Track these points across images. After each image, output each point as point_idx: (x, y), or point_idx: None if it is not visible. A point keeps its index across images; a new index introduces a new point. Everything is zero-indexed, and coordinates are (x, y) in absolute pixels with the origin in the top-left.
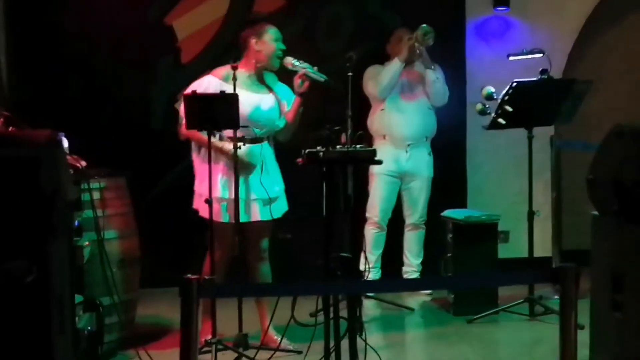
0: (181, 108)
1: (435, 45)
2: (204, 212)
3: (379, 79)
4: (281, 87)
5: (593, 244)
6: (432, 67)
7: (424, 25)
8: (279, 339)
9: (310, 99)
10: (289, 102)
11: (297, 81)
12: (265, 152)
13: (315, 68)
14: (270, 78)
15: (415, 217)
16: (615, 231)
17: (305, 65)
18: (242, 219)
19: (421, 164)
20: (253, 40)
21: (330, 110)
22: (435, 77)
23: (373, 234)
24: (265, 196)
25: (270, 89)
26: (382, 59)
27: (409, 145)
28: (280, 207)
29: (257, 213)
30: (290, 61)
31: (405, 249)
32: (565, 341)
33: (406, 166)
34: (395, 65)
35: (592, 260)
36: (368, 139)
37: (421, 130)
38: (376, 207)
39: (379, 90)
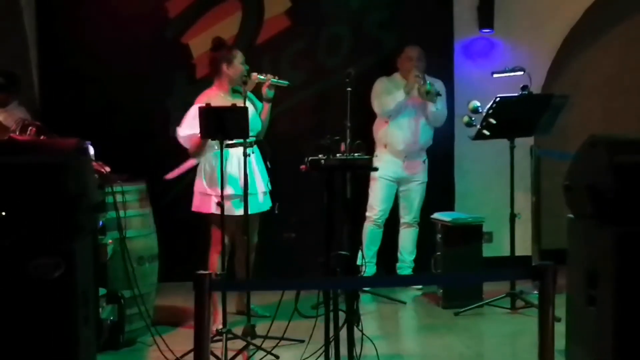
0: (184, 121)
1: (426, 62)
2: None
3: (384, 103)
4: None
5: (569, 244)
6: (434, 100)
7: (429, 84)
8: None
9: (313, 111)
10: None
11: (264, 90)
12: (254, 153)
13: (277, 77)
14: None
15: (409, 217)
16: (590, 232)
17: (269, 76)
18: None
19: (417, 170)
20: (224, 66)
21: (330, 121)
22: (434, 109)
23: (371, 231)
24: (263, 190)
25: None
26: (379, 74)
27: (406, 155)
28: (267, 202)
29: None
30: (256, 75)
31: (400, 246)
32: (543, 332)
33: (403, 172)
34: (400, 97)
35: (568, 259)
36: (370, 145)
37: (418, 144)
38: (375, 208)
39: (383, 113)
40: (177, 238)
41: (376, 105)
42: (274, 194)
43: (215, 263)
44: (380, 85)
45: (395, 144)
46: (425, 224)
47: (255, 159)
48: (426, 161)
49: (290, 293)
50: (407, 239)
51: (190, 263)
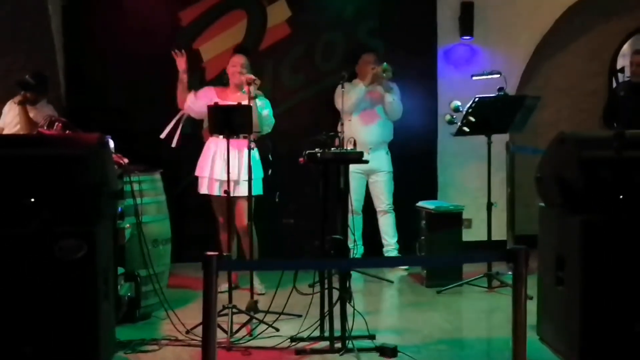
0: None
1: (411, 67)
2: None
3: (347, 97)
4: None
5: (540, 230)
6: (391, 90)
7: (385, 63)
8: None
9: (311, 110)
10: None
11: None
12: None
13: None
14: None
15: (383, 205)
16: (558, 220)
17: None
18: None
19: (381, 162)
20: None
21: (326, 119)
22: (391, 99)
23: (350, 218)
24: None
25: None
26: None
27: (370, 148)
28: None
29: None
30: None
31: (381, 232)
32: (517, 309)
33: (369, 165)
34: (360, 90)
35: (539, 244)
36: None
37: (380, 137)
38: (350, 197)
39: (347, 108)
40: (188, 223)
41: (339, 103)
42: (274, 184)
43: (221, 243)
44: (340, 89)
45: (359, 137)
46: (410, 212)
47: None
48: (389, 153)
49: (290, 272)
50: (386, 224)
51: (200, 245)
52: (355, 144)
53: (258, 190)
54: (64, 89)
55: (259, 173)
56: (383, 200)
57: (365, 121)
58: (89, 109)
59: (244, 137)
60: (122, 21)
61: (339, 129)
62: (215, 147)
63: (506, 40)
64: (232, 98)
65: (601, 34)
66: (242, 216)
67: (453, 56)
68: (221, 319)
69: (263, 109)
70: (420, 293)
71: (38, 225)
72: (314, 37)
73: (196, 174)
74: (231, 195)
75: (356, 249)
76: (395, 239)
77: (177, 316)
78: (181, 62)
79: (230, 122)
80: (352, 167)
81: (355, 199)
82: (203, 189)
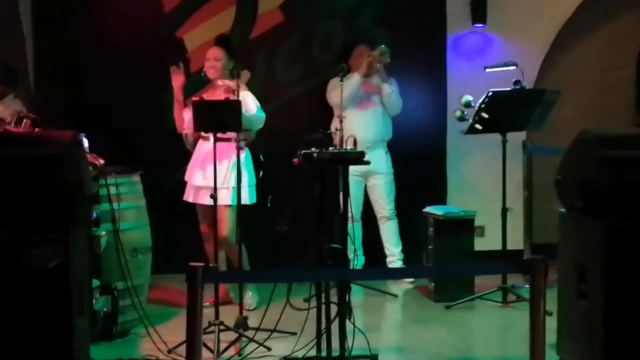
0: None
1: (418, 58)
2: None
3: (340, 91)
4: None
5: (560, 239)
6: (389, 81)
7: (382, 45)
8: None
9: (306, 106)
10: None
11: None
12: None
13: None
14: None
15: (385, 210)
16: (580, 227)
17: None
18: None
19: (379, 162)
20: None
21: (323, 116)
22: (390, 90)
23: (350, 227)
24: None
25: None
26: None
27: (367, 147)
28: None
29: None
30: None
31: (384, 241)
32: (534, 326)
33: (367, 166)
34: (355, 80)
35: (559, 253)
36: (328, 141)
37: (378, 135)
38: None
39: (343, 100)
40: (171, 230)
41: (333, 96)
42: (266, 187)
43: (207, 254)
44: (335, 81)
45: (355, 136)
46: (416, 218)
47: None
48: (388, 152)
49: (283, 285)
50: (388, 232)
51: (184, 255)
52: (355, 143)
53: (251, 198)
54: (34, 81)
55: (251, 179)
56: (384, 205)
57: (361, 116)
58: (61, 103)
59: (234, 141)
60: (98, 6)
61: (337, 125)
62: (203, 151)
63: (523, 28)
64: (218, 95)
65: (627, 21)
66: (221, 226)
67: (464, 46)
68: (207, 337)
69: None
70: (428, 308)
71: (6, 231)
72: (311, 26)
73: (185, 178)
74: (212, 203)
75: (356, 259)
76: (399, 248)
77: (158, 333)
78: (178, 79)
79: (217, 118)
80: (349, 169)
81: (354, 205)
82: (188, 196)
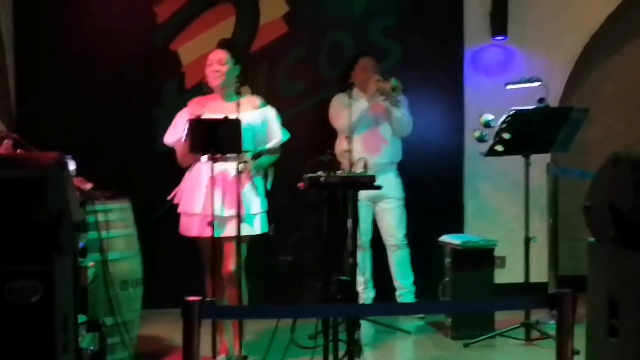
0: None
1: (433, 72)
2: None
3: (346, 116)
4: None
5: (589, 270)
6: (398, 105)
7: (394, 79)
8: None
9: (312, 124)
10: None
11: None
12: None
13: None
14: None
15: (394, 238)
16: (612, 257)
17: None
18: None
19: (389, 186)
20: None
21: (330, 136)
22: (400, 114)
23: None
24: (222, 215)
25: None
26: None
27: (376, 171)
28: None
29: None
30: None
31: (393, 272)
32: None
33: (375, 191)
34: (363, 105)
35: (588, 286)
36: (336, 164)
37: (387, 157)
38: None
39: (347, 128)
40: (163, 261)
41: (337, 120)
42: (269, 213)
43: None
44: (338, 101)
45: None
46: (432, 247)
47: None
48: (399, 176)
49: (286, 321)
50: (398, 262)
51: (178, 288)
52: (366, 166)
53: (263, 227)
54: (15, 98)
55: (263, 205)
56: (393, 232)
57: (369, 140)
58: (45, 122)
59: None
60: (85, 16)
61: (344, 146)
62: (202, 174)
63: (547, 41)
64: (216, 108)
65: None
66: (232, 260)
67: (483, 60)
68: None
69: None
70: (444, 346)
71: None
72: (317, 37)
73: (180, 210)
74: (219, 235)
75: (366, 292)
76: (411, 280)
77: None
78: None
79: (214, 138)
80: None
81: (362, 233)
82: (192, 230)
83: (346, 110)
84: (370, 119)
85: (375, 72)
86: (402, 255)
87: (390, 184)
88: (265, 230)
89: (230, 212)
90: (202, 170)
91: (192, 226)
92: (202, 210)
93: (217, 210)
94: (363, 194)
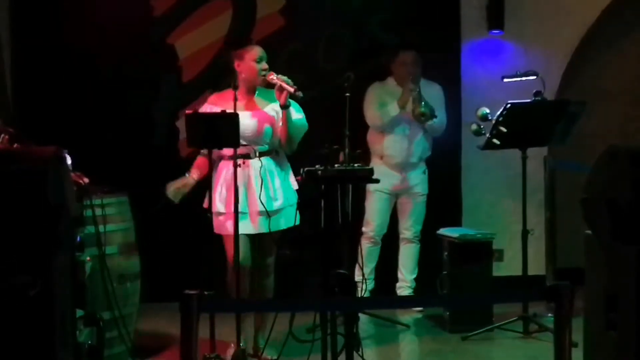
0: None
1: (430, 66)
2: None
3: (377, 116)
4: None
5: (587, 263)
6: (427, 122)
7: (423, 107)
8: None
9: (309, 118)
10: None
11: (277, 94)
12: (265, 167)
13: (294, 89)
14: (266, 95)
15: (409, 232)
16: (609, 250)
17: (284, 78)
18: (242, 230)
19: (415, 182)
20: (236, 63)
21: (328, 129)
22: (432, 122)
23: (367, 248)
24: (262, 209)
25: (256, 106)
26: (381, 79)
27: (403, 168)
28: (280, 221)
29: (252, 226)
30: (272, 77)
31: (400, 264)
32: (560, 359)
33: (400, 184)
34: (394, 111)
35: (585, 279)
36: (366, 155)
37: (417, 155)
38: (371, 223)
39: (378, 127)
40: (161, 255)
41: (369, 118)
42: None
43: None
44: (373, 93)
45: (391, 157)
46: (430, 241)
47: (255, 172)
48: (426, 172)
49: (285, 315)
50: (407, 256)
51: (176, 282)
52: (360, 157)
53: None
54: (12, 92)
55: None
56: (410, 227)
57: (400, 137)
58: (42, 117)
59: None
60: (81, 10)
61: (368, 138)
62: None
63: (543, 35)
64: (250, 107)
65: None
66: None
67: (480, 53)
68: None
69: (293, 114)
70: (443, 340)
71: None
72: (314, 31)
73: (217, 209)
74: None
75: (366, 284)
76: (413, 276)
77: None
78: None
79: (212, 132)
80: (379, 186)
81: (377, 225)
82: (224, 228)
83: (378, 109)
84: (403, 120)
85: (415, 66)
86: (413, 250)
87: (417, 180)
88: (297, 221)
89: (275, 204)
90: (230, 167)
91: (225, 224)
92: (246, 208)
93: (259, 205)
94: (386, 187)
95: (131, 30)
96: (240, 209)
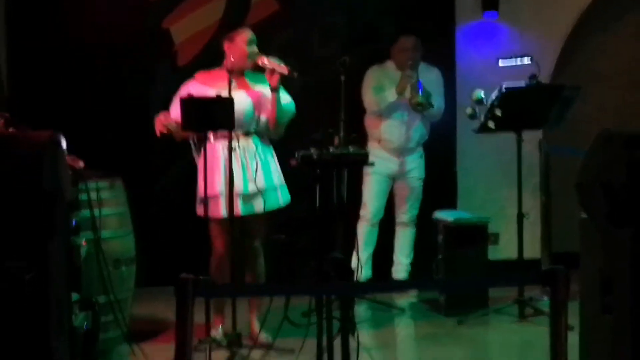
0: (172, 108)
1: (425, 49)
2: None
3: (374, 101)
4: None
5: (582, 247)
6: (425, 112)
7: (421, 96)
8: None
9: (304, 103)
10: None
11: (268, 77)
12: (252, 148)
13: (287, 68)
14: (255, 77)
15: (406, 216)
16: (604, 234)
17: (276, 60)
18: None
19: (412, 166)
20: (226, 45)
21: (323, 113)
22: (430, 109)
23: (365, 231)
24: (247, 192)
25: (247, 87)
26: (376, 62)
27: (401, 152)
28: (267, 202)
29: (238, 208)
30: (263, 60)
31: (395, 248)
32: (556, 343)
33: (398, 168)
34: (391, 97)
35: (581, 263)
36: (363, 138)
37: (415, 140)
38: (368, 206)
39: (375, 112)
40: (156, 239)
41: (366, 103)
42: None
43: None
44: (371, 76)
45: (389, 141)
46: (425, 224)
47: (242, 154)
48: (423, 156)
49: (280, 299)
50: (403, 240)
51: (171, 266)
52: (355, 141)
53: (285, 197)
54: (6, 76)
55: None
56: (406, 211)
57: (397, 122)
58: (37, 102)
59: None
60: None
61: (365, 122)
62: (218, 154)
63: (538, 17)
64: (242, 86)
65: None
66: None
67: (474, 37)
68: (197, 355)
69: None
70: (438, 323)
71: None
72: (309, 15)
73: (205, 192)
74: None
75: (364, 271)
76: (409, 260)
77: (142, 352)
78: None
79: (208, 116)
80: (375, 169)
81: (375, 207)
82: (220, 210)
83: (376, 93)
84: (401, 105)
85: (416, 51)
86: (409, 234)
87: (414, 164)
88: (288, 200)
89: (258, 185)
90: (217, 149)
91: (219, 207)
92: (226, 189)
93: (242, 187)
94: (384, 169)
95: (126, 15)
96: (218, 192)
